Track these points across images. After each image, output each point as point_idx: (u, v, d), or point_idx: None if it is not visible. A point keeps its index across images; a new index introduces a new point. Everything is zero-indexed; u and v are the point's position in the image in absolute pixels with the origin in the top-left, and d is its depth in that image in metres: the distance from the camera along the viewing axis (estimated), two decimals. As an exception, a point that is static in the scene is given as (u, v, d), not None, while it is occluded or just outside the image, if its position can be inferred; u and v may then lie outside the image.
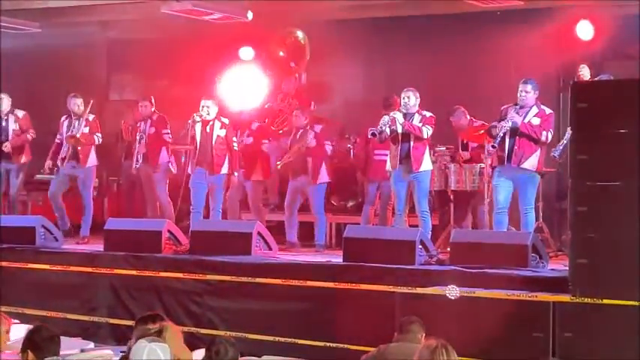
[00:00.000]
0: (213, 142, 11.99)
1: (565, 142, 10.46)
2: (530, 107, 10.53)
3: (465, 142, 12.26)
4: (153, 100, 13.15)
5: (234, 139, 12.18)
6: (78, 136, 12.80)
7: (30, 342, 6.19)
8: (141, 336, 6.09)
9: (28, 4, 13.60)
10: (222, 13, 13.37)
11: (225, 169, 12.05)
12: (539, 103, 10.57)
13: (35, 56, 15.80)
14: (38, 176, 14.45)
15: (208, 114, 12.01)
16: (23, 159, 13.48)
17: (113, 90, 16.66)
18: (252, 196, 12.77)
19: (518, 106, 10.51)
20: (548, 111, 10.54)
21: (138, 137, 12.96)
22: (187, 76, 14.48)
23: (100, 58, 16.57)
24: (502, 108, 10.68)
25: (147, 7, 13.53)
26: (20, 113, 13.44)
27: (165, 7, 12.86)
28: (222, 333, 10.01)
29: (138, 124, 13.12)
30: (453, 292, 9.19)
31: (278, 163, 12.41)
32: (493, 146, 10.48)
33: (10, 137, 13.34)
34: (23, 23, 14.60)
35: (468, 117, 12.27)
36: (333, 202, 13.39)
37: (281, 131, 13.55)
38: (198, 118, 11.98)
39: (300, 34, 14.06)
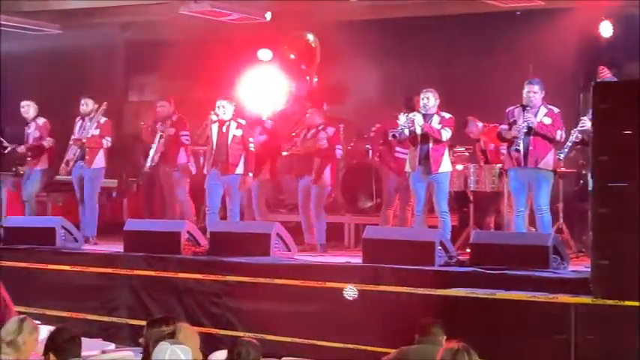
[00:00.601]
0: (229, 142, 11.96)
1: (569, 143, 10.43)
2: (539, 107, 10.50)
3: (482, 144, 12.24)
4: (172, 102, 13.13)
5: (251, 139, 12.15)
6: (84, 140, 12.86)
7: (52, 344, 6.21)
8: (157, 339, 6.10)
9: (48, 5, 13.63)
10: (240, 14, 13.36)
11: (240, 170, 12.02)
12: (546, 102, 10.53)
13: (55, 57, 15.84)
14: (58, 177, 14.48)
15: (224, 114, 12.00)
16: (40, 166, 13.37)
17: (132, 91, 16.68)
18: (258, 197, 12.74)
19: (529, 107, 10.46)
20: (556, 110, 10.52)
21: (157, 137, 12.94)
22: (206, 76, 14.50)
23: (119, 59, 16.61)
24: (508, 110, 10.66)
25: (165, 8, 13.55)
26: (41, 120, 13.41)
27: (183, 8, 12.88)
28: (241, 334, 10.02)
29: (158, 125, 13.11)
30: (350, 292, 9.25)
31: (284, 151, 12.34)
32: (517, 149, 10.40)
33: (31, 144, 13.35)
34: (43, 24, 14.64)
35: (480, 124, 12.27)
36: (351, 203, 13.36)
37: (293, 133, 13.52)
38: (214, 118, 11.98)
39: (310, 36, 14.03)
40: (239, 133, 12.02)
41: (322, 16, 14.04)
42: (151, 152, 12.89)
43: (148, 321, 6.33)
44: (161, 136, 12.87)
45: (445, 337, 7.49)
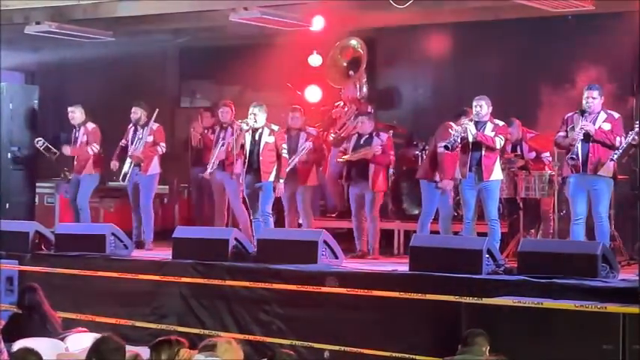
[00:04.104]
0: (261, 150, 11.87)
1: (625, 145, 10.26)
2: (598, 113, 10.34)
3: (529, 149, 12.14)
4: (233, 107, 13.08)
5: (284, 146, 12.02)
6: (141, 156, 12.93)
7: (95, 352, 6.20)
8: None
9: (99, 13, 13.75)
10: (290, 21, 13.38)
11: (272, 177, 11.92)
12: (605, 108, 10.39)
13: (108, 65, 16.01)
14: (110, 183, 14.62)
15: (256, 121, 11.86)
16: (86, 172, 13.29)
17: (183, 97, 16.80)
18: (303, 201, 12.72)
19: (587, 113, 10.32)
20: (616, 115, 10.37)
21: (220, 143, 12.86)
22: (258, 82, 14.55)
23: (171, 65, 16.73)
24: (566, 116, 10.52)
25: (216, 15, 13.61)
26: (90, 126, 13.40)
27: (233, 16, 12.91)
28: (289, 342, 10.03)
29: (217, 130, 13.05)
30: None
31: (340, 159, 12.23)
32: (572, 158, 10.26)
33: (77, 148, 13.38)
34: (96, 32, 14.77)
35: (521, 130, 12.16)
36: (400, 209, 13.31)
37: (332, 135, 13.53)
38: (245, 126, 11.88)
39: (354, 42, 14.00)
40: (271, 140, 11.89)
41: (373, 21, 13.99)
42: (212, 159, 12.86)
43: (150, 345, 6.31)
44: (222, 144, 12.78)
45: (489, 347, 7.44)
